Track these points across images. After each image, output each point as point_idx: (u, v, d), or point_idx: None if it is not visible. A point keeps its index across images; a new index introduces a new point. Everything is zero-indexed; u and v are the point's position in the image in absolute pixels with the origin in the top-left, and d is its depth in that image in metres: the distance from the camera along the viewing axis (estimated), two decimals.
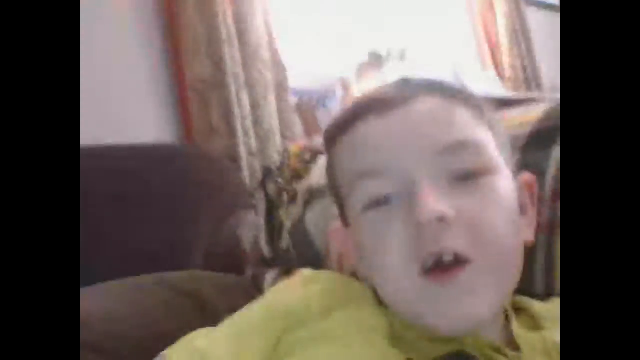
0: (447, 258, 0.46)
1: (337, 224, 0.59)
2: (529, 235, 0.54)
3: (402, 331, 0.50)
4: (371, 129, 0.52)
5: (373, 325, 0.50)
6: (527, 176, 0.56)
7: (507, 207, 0.50)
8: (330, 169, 0.57)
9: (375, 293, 0.53)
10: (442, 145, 0.49)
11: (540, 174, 0.60)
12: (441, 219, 0.46)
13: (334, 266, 0.69)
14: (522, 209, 0.53)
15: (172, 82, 1.46)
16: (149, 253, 0.98)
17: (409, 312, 0.50)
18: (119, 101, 1.37)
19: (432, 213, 0.46)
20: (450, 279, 0.46)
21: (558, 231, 0.60)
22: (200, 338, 0.51)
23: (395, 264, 0.48)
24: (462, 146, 0.49)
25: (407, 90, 0.53)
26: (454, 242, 0.46)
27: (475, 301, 0.47)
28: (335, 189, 0.57)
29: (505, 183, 0.51)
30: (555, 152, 0.61)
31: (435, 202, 0.46)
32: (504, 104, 0.67)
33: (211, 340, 0.50)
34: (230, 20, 1.48)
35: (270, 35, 1.59)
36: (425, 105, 0.51)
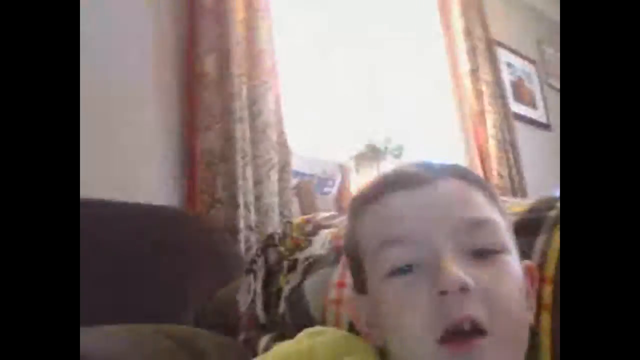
0: (466, 327, 0.49)
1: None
2: (530, 317, 0.57)
3: None
4: (399, 200, 0.55)
5: None
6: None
7: (518, 284, 0.54)
8: (353, 236, 0.60)
9: (377, 355, 0.56)
10: (464, 221, 0.53)
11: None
12: (464, 288, 0.49)
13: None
14: (526, 293, 0.56)
15: (184, 152, 1.54)
16: (142, 308, 1.00)
17: None
18: (132, 164, 1.45)
19: (456, 281, 0.49)
20: (468, 348, 0.48)
21: (542, 315, 0.63)
22: None
23: (414, 329, 0.50)
24: (481, 224, 0.54)
25: (432, 171, 0.58)
26: (474, 312, 0.49)
27: None
28: (354, 256, 0.59)
29: (516, 263, 0.55)
30: (539, 242, 0.66)
31: (458, 271, 0.49)
32: None
33: None
34: (244, 102, 1.58)
35: (279, 118, 1.69)
36: (448, 184, 0.56)
